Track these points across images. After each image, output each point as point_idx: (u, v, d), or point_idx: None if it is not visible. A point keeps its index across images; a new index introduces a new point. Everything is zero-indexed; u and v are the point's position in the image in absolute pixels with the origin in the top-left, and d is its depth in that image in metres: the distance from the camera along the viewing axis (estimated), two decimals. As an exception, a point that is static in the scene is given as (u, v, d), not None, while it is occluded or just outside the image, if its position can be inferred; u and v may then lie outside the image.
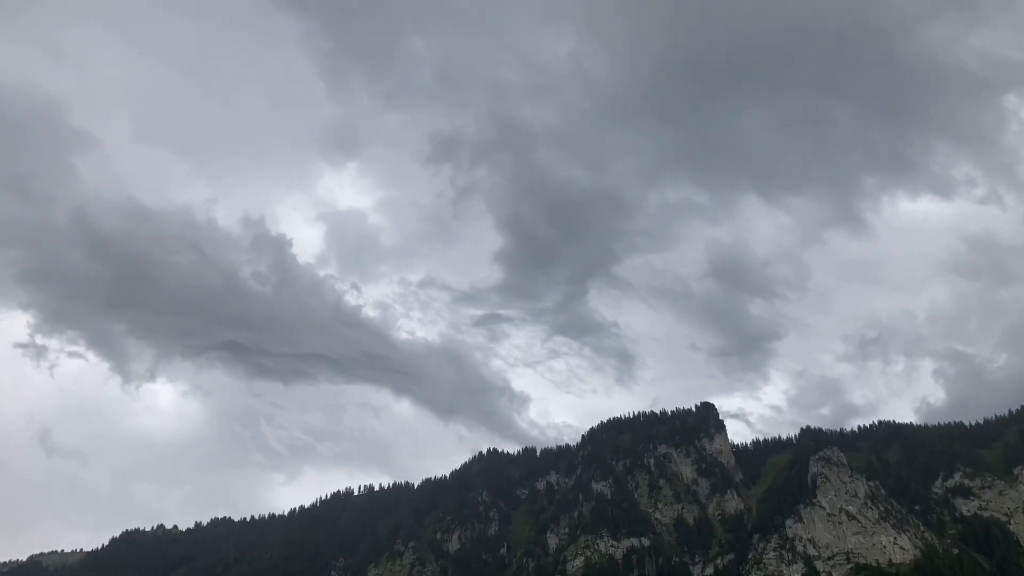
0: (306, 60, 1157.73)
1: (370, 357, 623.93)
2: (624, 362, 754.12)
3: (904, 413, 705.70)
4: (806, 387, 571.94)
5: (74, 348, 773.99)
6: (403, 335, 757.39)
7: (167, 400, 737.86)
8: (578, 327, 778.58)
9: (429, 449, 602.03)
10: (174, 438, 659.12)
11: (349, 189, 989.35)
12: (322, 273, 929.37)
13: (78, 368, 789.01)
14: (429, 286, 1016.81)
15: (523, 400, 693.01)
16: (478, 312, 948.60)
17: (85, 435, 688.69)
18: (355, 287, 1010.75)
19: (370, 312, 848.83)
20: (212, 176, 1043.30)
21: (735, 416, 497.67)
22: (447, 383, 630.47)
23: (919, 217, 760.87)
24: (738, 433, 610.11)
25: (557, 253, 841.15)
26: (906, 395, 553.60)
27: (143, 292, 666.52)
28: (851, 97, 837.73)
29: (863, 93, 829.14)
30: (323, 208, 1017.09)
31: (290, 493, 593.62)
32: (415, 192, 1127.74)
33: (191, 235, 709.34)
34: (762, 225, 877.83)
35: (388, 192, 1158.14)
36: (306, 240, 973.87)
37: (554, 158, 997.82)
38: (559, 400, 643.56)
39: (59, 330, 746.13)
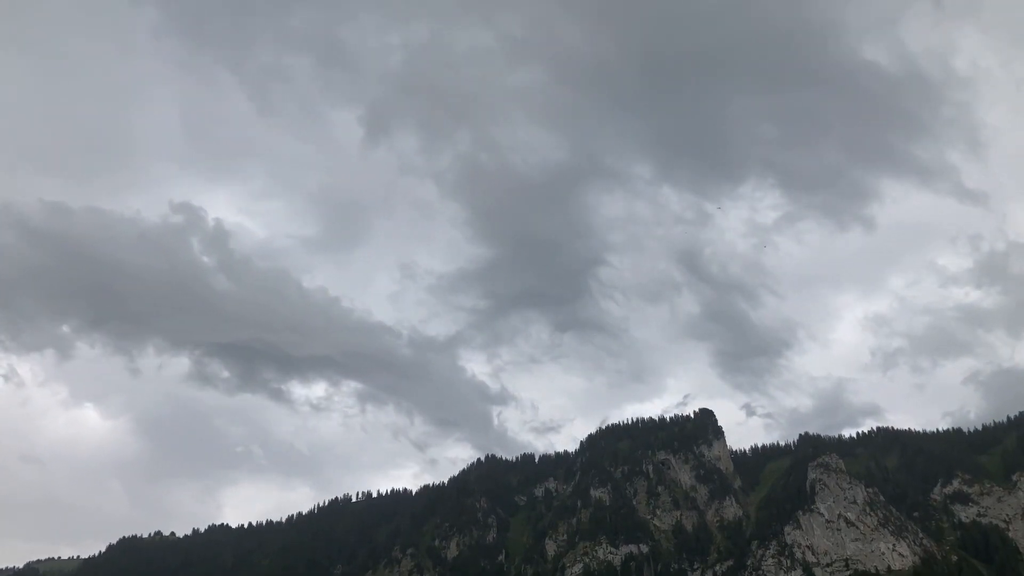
0: (161, 52, 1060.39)
1: (350, 354, 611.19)
2: (622, 362, 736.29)
3: (934, 420, 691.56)
4: (818, 393, 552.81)
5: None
6: (379, 331, 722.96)
7: (113, 406, 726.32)
8: (568, 325, 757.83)
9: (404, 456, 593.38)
10: (123, 445, 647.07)
11: (255, 185, 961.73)
12: (277, 265, 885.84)
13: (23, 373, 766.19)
14: (408, 274, 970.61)
15: (514, 403, 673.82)
16: (454, 312, 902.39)
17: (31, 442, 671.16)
18: (320, 284, 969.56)
19: (341, 306, 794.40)
20: (122, 181, 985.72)
21: (753, 413, 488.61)
22: (429, 383, 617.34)
23: (928, 217, 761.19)
24: (754, 436, 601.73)
25: (528, 248, 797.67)
26: (935, 402, 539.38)
27: (93, 291, 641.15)
28: (846, 92, 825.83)
29: (858, 88, 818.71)
30: (243, 205, 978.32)
31: (232, 507, 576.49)
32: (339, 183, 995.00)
33: (128, 232, 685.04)
34: (766, 220, 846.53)
35: (305, 186, 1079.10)
36: (241, 236, 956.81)
37: (516, 135, 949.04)
38: (555, 403, 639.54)
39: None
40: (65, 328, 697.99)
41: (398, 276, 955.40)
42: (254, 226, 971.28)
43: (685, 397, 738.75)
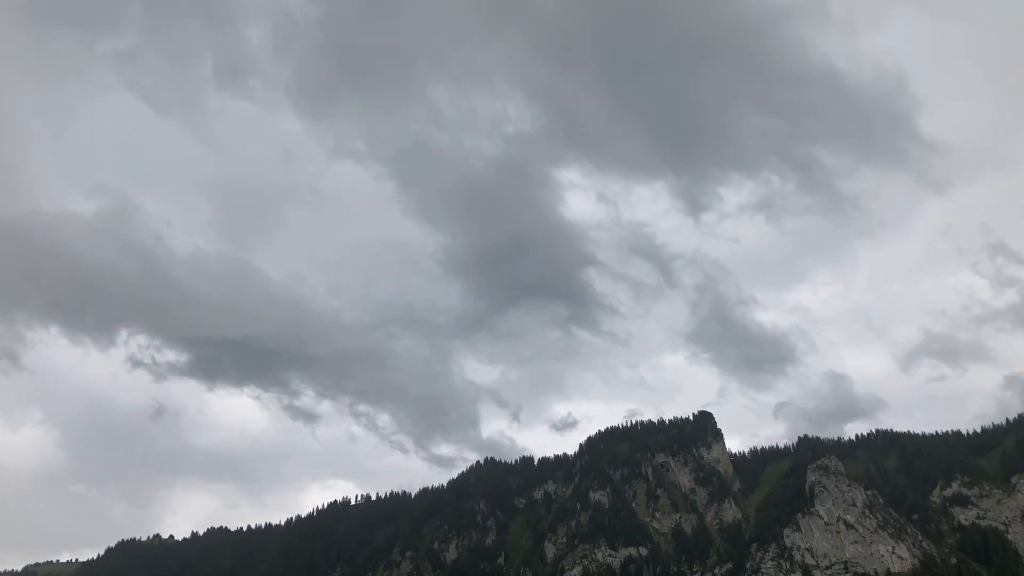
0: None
1: (329, 353, 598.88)
2: (622, 365, 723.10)
3: (964, 422, 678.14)
4: (836, 394, 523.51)
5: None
6: (352, 329, 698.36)
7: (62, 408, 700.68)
8: (562, 324, 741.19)
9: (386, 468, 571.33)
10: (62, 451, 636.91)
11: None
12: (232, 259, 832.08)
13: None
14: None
15: (505, 405, 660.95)
16: (430, 309, 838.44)
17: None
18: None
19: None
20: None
21: (778, 415, 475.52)
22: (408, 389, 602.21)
23: (928, 219, 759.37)
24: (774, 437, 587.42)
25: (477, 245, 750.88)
26: (961, 405, 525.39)
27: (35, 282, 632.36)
28: (838, 87, 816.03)
29: (850, 87, 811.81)
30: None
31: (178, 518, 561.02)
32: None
33: (69, 230, 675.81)
34: (761, 219, 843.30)
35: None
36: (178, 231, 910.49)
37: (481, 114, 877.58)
38: (554, 407, 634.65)
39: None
40: (20, 316, 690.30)
41: (355, 273, 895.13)
42: (185, 223, 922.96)
43: (721, 391, 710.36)
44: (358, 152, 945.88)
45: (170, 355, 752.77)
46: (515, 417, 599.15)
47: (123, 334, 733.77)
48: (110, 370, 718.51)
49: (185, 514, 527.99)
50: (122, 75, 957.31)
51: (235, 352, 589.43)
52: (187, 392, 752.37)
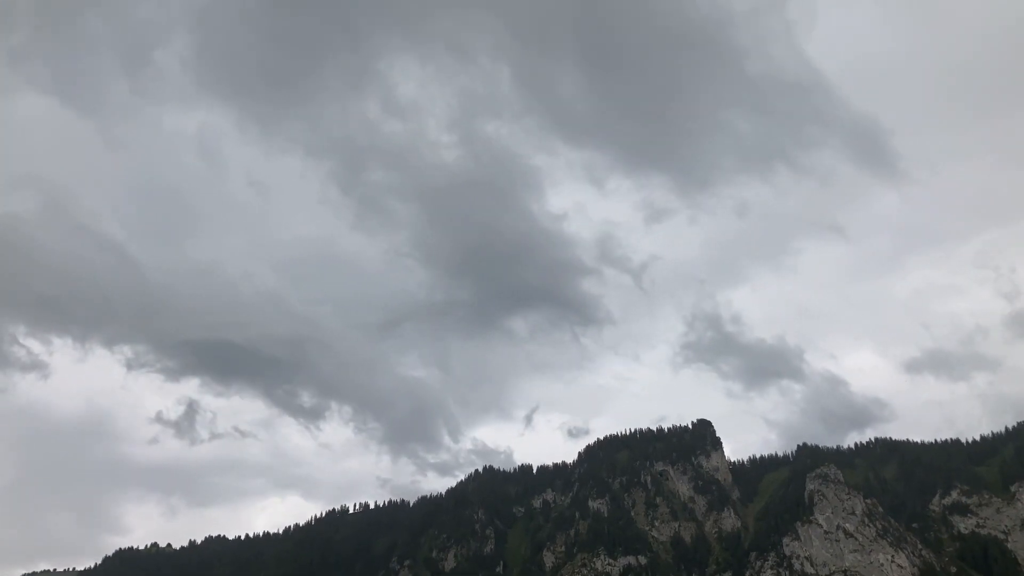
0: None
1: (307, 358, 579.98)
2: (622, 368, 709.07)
3: (963, 431, 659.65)
4: (842, 402, 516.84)
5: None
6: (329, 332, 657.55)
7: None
8: (553, 330, 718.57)
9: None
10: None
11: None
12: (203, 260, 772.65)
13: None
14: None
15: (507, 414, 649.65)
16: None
17: None
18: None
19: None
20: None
21: (775, 425, 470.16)
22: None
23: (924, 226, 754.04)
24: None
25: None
26: (967, 414, 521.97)
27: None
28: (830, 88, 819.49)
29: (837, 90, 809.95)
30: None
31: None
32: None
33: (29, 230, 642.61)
34: (755, 222, 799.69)
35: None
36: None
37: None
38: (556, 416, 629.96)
39: None
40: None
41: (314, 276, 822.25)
42: (119, 223, 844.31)
43: (721, 399, 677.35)
44: (300, 145, 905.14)
45: (150, 359, 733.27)
46: (528, 421, 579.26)
47: (96, 340, 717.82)
48: (89, 375, 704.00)
49: (177, 523, 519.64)
50: (20, 71, 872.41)
51: (219, 355, 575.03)
52: (172, 398, 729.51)
